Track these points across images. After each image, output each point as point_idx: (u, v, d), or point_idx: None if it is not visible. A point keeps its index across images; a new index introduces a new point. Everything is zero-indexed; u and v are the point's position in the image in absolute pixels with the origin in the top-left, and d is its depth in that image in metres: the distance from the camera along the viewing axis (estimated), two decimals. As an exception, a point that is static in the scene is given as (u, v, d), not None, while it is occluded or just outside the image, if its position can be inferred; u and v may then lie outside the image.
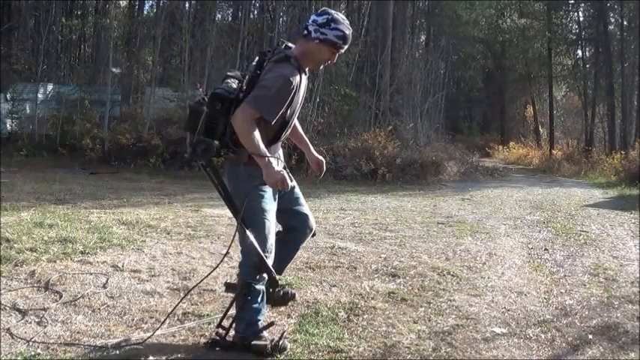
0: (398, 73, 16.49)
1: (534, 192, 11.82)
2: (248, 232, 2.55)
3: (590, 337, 3.07)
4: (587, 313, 3.48)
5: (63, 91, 15.00)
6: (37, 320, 2.92)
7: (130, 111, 16.22)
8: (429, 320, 3.20)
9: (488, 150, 27.29)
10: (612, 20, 25.56)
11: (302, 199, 2.99)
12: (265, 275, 2.64)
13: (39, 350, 2.58)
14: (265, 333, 2.70)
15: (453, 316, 3.29)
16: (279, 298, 3.26)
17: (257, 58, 2.63)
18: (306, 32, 2.59)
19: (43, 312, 3.03)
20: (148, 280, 3.71)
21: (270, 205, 2.66)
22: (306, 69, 2.69)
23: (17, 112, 14.82)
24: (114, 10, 18.11)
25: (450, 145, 18.97)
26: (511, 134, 32.18)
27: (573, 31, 28.17)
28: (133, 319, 3.02)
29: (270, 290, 2.99)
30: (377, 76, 16.72)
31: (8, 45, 17.34)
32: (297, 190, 2.95)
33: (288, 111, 2.61)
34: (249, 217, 2.58)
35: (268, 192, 2.64)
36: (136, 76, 20.33)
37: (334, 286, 3.82)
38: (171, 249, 4.63)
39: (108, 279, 3.66)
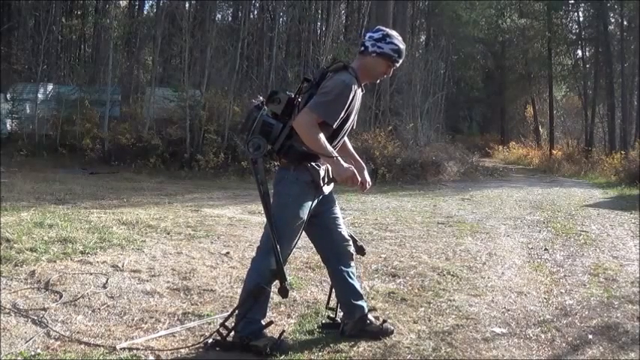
0: (398, 73, 16.47)
1: (534, 192, 11.82)
2: (275, 236, 2.60)
3: (590, 337, 3.07)
4: (587, 313, 3.48)
5: (63, 91, 15.01)
6: (37, 320, 2.92)
7: (130, 111, 16.23)
8: (429, 320, 3.20)
9: (488, 150, 27.29)
10: (612, 20, 25.57)
11: (340, 219, 2.93)
12: (279, 277, 2.65)
13: (39, 350, 2.58)
14: (266, 332, 2.70)
15: (453, 316, 3.29)
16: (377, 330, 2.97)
17: (302, 82, 2.76)
18: (363, 48, 2.71)
19: (43, 312, 3.03)
20: (148, 280, 3.71)
21: (304, 215, 2.69)
22: (363, 84, 2.77)
23: (17, 112, 14.83)
24: (114, 10, 18.12)
25: (450, 145, 18.97)
26: (511, 134, 32.20)
27: (573, 31, 28.18)
28: (133, 319, 3.02)
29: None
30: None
31: (8, 45, 17.36)
32: (337, 208, 2.93)
33: (346, 123, 2.70)
34: (281, 222, 2.65)
35: (307, 203, 2.69)
36: (136, 76, 20.34)
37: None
38: (171, 249, 4.63)
39: (108, 279, 3.66)
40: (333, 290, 2.96)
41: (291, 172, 2.67)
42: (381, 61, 2.70)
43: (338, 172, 2.55)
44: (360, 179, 2.64)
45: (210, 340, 2.73)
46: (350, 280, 2.87)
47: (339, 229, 2.88)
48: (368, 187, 2.83)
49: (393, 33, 2.72)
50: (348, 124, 2.74)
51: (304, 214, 2.68)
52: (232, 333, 2.68)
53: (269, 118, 2.66)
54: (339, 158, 2.55)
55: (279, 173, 2.73)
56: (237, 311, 2.71)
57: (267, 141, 2.61)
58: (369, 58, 2.70)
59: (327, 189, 2.78)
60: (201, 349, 2.69)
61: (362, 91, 2.76)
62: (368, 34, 2.74)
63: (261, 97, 2.80)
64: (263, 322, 2.71)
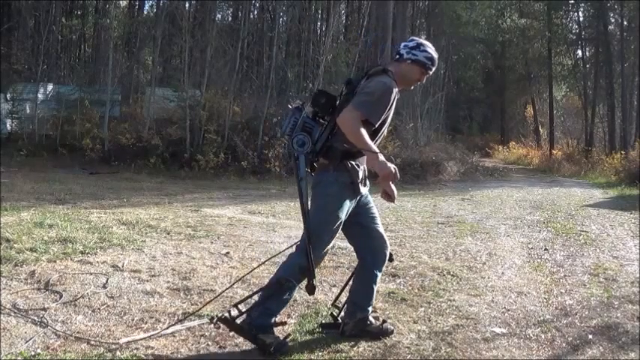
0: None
1: (534, 192, 11.82)
2: (312, 235, 2.62)
3: (590, 337, 3.07)
4: (587, 313, 3.48)
5: (63, 91, 15.00)
6: (37, 320, 2.92)
7: (130, 111, 16.23)
8: (429, 320, 3.20)
9: (488, 150, 27.30)
10: (612, 20, 25.57)
11: (378, 219, 2.96)
12: (307, 276, 2.66)
13: (39, 350, 2.58)
14: (273, 330, 2.70)
15: (453, 316, 3.29)
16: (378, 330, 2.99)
17: (345, 85, 2.81)
18: (398, 56, 2.84)
19: (43, 312, 3.03)
20: (148, 280, 3.71)
21: (343, 216, 2.73)
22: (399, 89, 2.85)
23: (17, 112, 14.81)
24: (114, 10, 18.12)
25: (450, 145, 18.98)
26: (511, 134, 32.20)
27: (573, 31, 28.18)
28: (133, 319, 3.02)
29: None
30: (377, 76, 16.69)
31: (8, 45, 17.37)
32: (374, 208, 2.95)
33: (382, 126, 2.76)
34: (319, 223, 2.67)
35: (346, 204, 2.72)
36: (136, 76, 20.33)
37: (334, 286, 3.81)
38: (171, 249, 4.63)
39: (108, 279, 3.65)
40: (349, 286, 2.98)
41: (331, 173, 2.71)
42: (416, 68, 2.82)
43: (380, 168, 2.58)
44: (389, 191, 2.76)
45: (218, 315, 2.73)
46: (374, 285, 2.92)
47: (379, 229, 2.92)
48: (395, 197, 2.89)
49: (427, 42, 2.85)
50: (385, 127, 2.82)
51: (343, 214, 2.72)
52: (242, 317, 2.66)
53: (309, 120, 2.73)
54: (381, 155, 2.59)
55: (318, 176, 2.77)
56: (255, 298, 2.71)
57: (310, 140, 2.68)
58: (404, 65, 2.81)
59: (364, 190, 2.82)
60: (205, 324, 2.67)
61: (398, 95, 2.84)
62: (403, 44, 2.86)
63: (298, 101, 2.90)
64: (277, 319, 2.71)
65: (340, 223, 2.73)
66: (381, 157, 2.59)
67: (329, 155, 2.69)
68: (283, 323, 2.77)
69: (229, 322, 2.67)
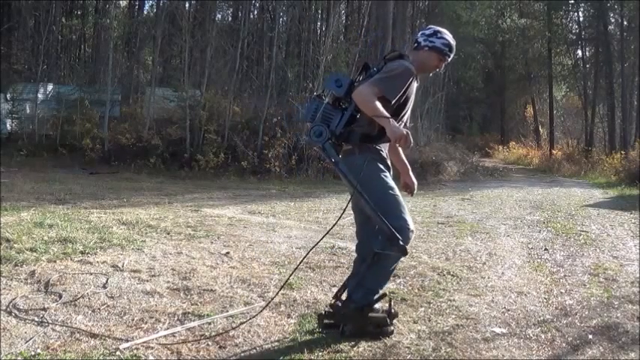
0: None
1: (534, 192, 11.82)
2: (378, 209, 2.63)
3: (590, 337, 3.07)
4: (587, 313, 3.48)
5: (63, 91, 15.02)
6: (37, 320, 2.92)
7: (130, 111, 16.24)
8: (429, 320, 3.20)
9: (488, 150, 27.32)
10: (612, 20, 25.58)
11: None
12: (400, 247, 2.65)
13: (39, 350, 2.58)
14: (378, 305, 2.73)
15: (453, 316, 3.28)
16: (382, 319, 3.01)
17: (363, 69, 2.87)
18: (416, 44, 2.88)
19: (43, 312, 3.03)
20: (148, 280, 3.71)
21: (392, 182, 2.78)
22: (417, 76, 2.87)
23: (17, 112, 14.83)
24: (114, 10, 18.13)
25: (450, 145, 18.99)
26: (511, 134, 32.21)
27: (573, 31, 28.20)
28: (133, 319, 3.02)
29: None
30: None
31: (8, 45, 17.37)
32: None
33: (401, 110, 2.79)
34: (378, 197, 2.69)
35: (386, 173, 2.78)
36: (136, 76, 20.34)
37: (334, 286, 3.81)
38: (171, 249, 4.63)
39: (108, 279, 3.65)
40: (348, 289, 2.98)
41: (357, 156, 2.75)
42: (434, 55, 2.84)
43: (391, 131, 2.58)
44: (409, 182, 2.85)
45: (322, 313, 2.78)
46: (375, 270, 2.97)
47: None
48: (414, 189, 2.91)
49: (443, 30, 2.87)
50: (405, 111, 2.83)
51: (391, 181, 2.77)
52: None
53: (329, 107, 2.78)
54: (392, 120, 2.59)
55: (346, 161, 2.77)
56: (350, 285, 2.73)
57: (328, 127, 2.72)
58: (421, 52, 2.84)
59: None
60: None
61: (417, 81, 2.87)
62: (420, 32, 2.91)
63: (320, 91, 2.92)
64: (379, 293, 2.73)
65: (394, 188, 2.76)
66: (393, 122, 2.59)
67: (350, 139, 2.75)
68: (384, 296, 2.77)
69: (336, 315, 2.70)
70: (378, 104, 2.60)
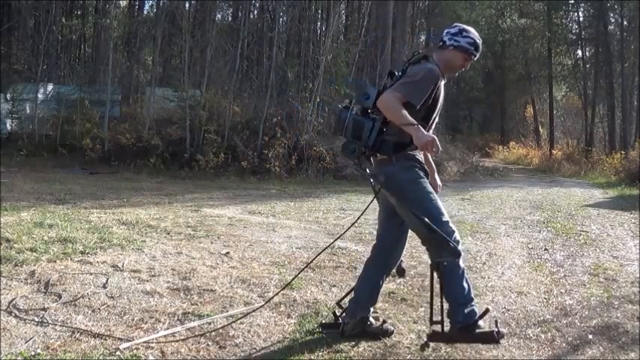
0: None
1: (534, 192, 11.82)
2: (421, 215, 2.60)
3: (590, 337, 3.07)
4: (587, 313, 3.48)
5: (63, 91, 15.01)
6: (37, 320, 2.92)
7: (130, 111, 16.24)
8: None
9: (488, 150, 27.33)
10: (612, 20, 25.58)
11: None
12: (451, 249, 2.63)
13: (39, 350, 2.58)
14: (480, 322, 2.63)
15: (453, 316, 3.28)
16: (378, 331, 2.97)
17: (387, 76, 2.85)
18: (441, 43, 2.82)
19: (43, 312, 3.03)
20: (148, 280, 3.71)
21: (430, 187, 2.76)
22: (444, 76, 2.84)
23: (17, 112, 14.83)
24: (114, 10, 18.12)
25: (450, 145, 18.99)
26: (511, 134, 32.22)
27: (573, 31, 28.20)
28: (133, 319, 3.02)
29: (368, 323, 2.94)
30: (377, 76, 16.71)
31: (8, 45, 17.37)
32: None
33: (431, 113, 2.75)
34: (419, 204, 2.66)
35: (425, 179, 2.76)
36: (136, 76, 20.35)
37: (334, 286, 3.82)
38: (171, 249, 4.63)
39: (108, 279, 3.65)
40: (357, 284, 2.99)
41: (395, 164, 2.73)
42: (459, 54, 2.79)
43: (418, 138, 2.54)
44: (435, 184, 2.80)
45: (427, 338, 2.71)
46: (380, 285, 2.98)
47: (406, 239, 2.95)
48: (439, 190, 2.88)
49: (469, 28, 2.82)
50: (434, 114, 2.80)
51: (430, 186, 2.76)
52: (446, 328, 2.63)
53: (358, 117, 2.75)
54: (420, 126, 2.56)
55: (384, 171, 2.74)
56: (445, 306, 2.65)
57: (360, 140, 2.70)
58: (447, 51, 2.79)
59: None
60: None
61: (444, 80, 2.84)
62: (445, 30, 2.84)
63: (347, 100, 2.89)
64: (476, 306, 2.64)
65: (432, 190, 2.74)
66: (421, 129, 2.56)
67: (383, 149, 2.72)
68: (486, 312, 2.68)
69: (441, 335, 2.63)
70: (404, 111, 2.55)
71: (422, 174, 2.76)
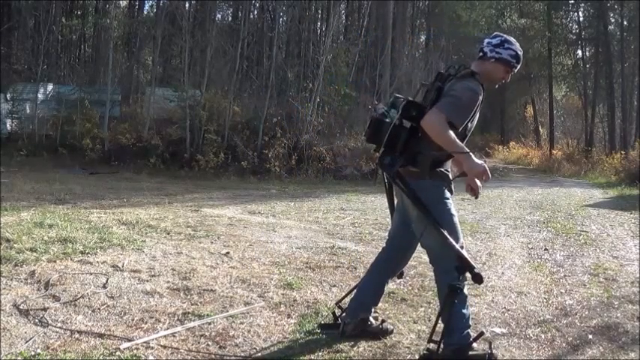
0: (398, 73, 16.49)
1: (534, 192, 11.82)
2: (446, 235, 2.58)
3: (590, 337, 3.07)
4: (587, 313, 3.48)
5: (63, 91, 15.02)
6: (37, 320, 2.92)
7: (130, 111, 16.27)
8: (429, 320, 3.19)
9: (488, 150, 27.30)
10: (612, 20, 25.58)
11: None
12: (468, 274, 2.60)
13: (39, 350, 2.58)
14: (475, 344, 2.63)
15: (453, 316, 3.28)
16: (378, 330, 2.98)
17: (436, 76, 2.78)
18: (482, 54, 2.76)
19: (43, 312, 3.02)
20: (148, 280, 3.71)
21: (454, 210, 2.74)
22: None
23: (17, 112, 14.84)
24: (114, 10, 18.14)
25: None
26: (511, 134, 32.21)
27: (573, 31, 28.18)
28: (133, 319, 3.02)
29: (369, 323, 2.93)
30: (377, 76, 16.72)
31: (8, 45, 17.37)
32: None
33: (469, 125, 2.73)
34: (446, 223, 2.64)
35: (451, 200, 2.75)
36: (136, 76, 20.36)
37: (334, 286, 3.82)
38: (171, 249, 4.62)
39: (108, 279, 3.65)
40: (360, 285, 2.99)
41: (429, 180, 2.67)
42: (500, 67, 2.74)
43: (471, 167, 2.54)
44: (474, 186, 2.71)
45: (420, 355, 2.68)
46: (384, 287, 3.00)
47: (415, 246, 2.94)
48: (479, 192, 2.85)
49: (511, 39, 2.75)
50: (470, 130, 2.79)
51: (454, 208, 2.74)
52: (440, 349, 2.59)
53: (395, 128, 2.63)
54: (471, 154, 2.56)
55: (418, 184, 2.67)
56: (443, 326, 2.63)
57: (395, 149, 2.61)
58: (487, 63, 2.74)
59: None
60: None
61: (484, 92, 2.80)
62: (486, 40, 2.78)
63: (381, 105, 2.83)
64: (471, 332, 2.65)
65: (455, 216, 2.72)
66: (473, 156, 2.55)
67: (418, 163, 2.63)
68: (480, 335, 2.67)
69: (436, 355, 2.59)
70: (454, 137, 2.51)
71: (449, 195, 2.73)
